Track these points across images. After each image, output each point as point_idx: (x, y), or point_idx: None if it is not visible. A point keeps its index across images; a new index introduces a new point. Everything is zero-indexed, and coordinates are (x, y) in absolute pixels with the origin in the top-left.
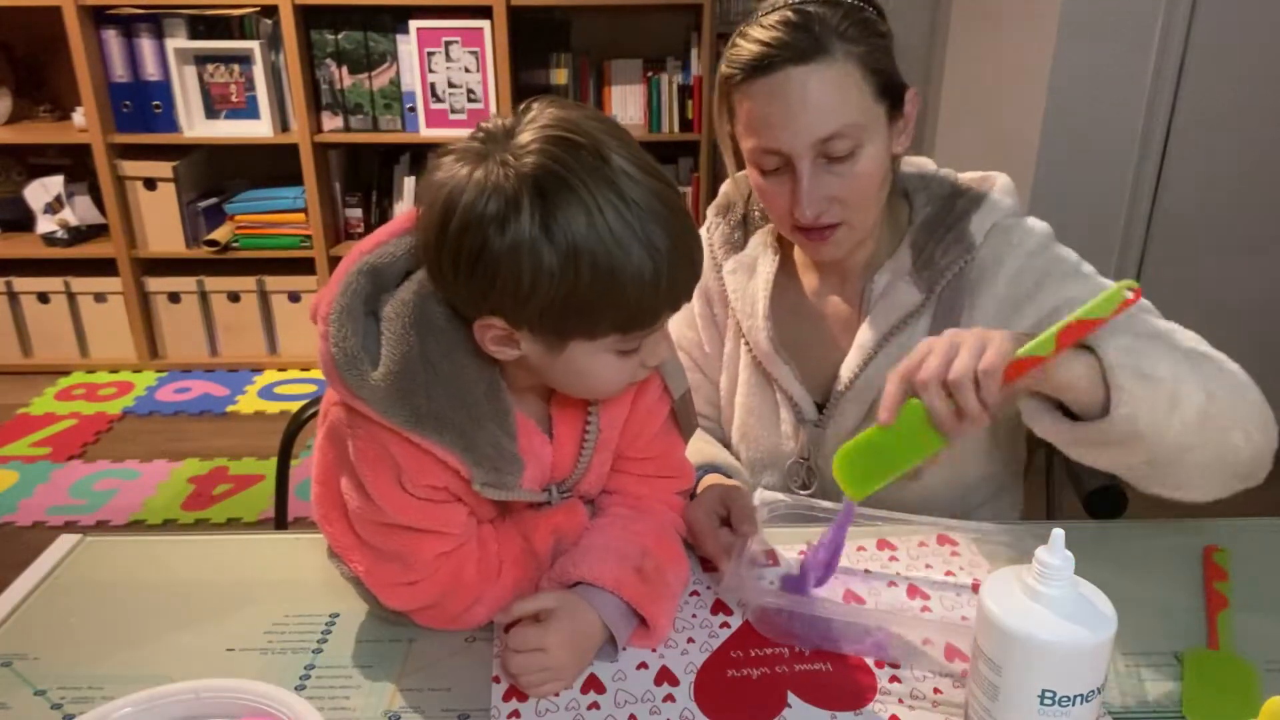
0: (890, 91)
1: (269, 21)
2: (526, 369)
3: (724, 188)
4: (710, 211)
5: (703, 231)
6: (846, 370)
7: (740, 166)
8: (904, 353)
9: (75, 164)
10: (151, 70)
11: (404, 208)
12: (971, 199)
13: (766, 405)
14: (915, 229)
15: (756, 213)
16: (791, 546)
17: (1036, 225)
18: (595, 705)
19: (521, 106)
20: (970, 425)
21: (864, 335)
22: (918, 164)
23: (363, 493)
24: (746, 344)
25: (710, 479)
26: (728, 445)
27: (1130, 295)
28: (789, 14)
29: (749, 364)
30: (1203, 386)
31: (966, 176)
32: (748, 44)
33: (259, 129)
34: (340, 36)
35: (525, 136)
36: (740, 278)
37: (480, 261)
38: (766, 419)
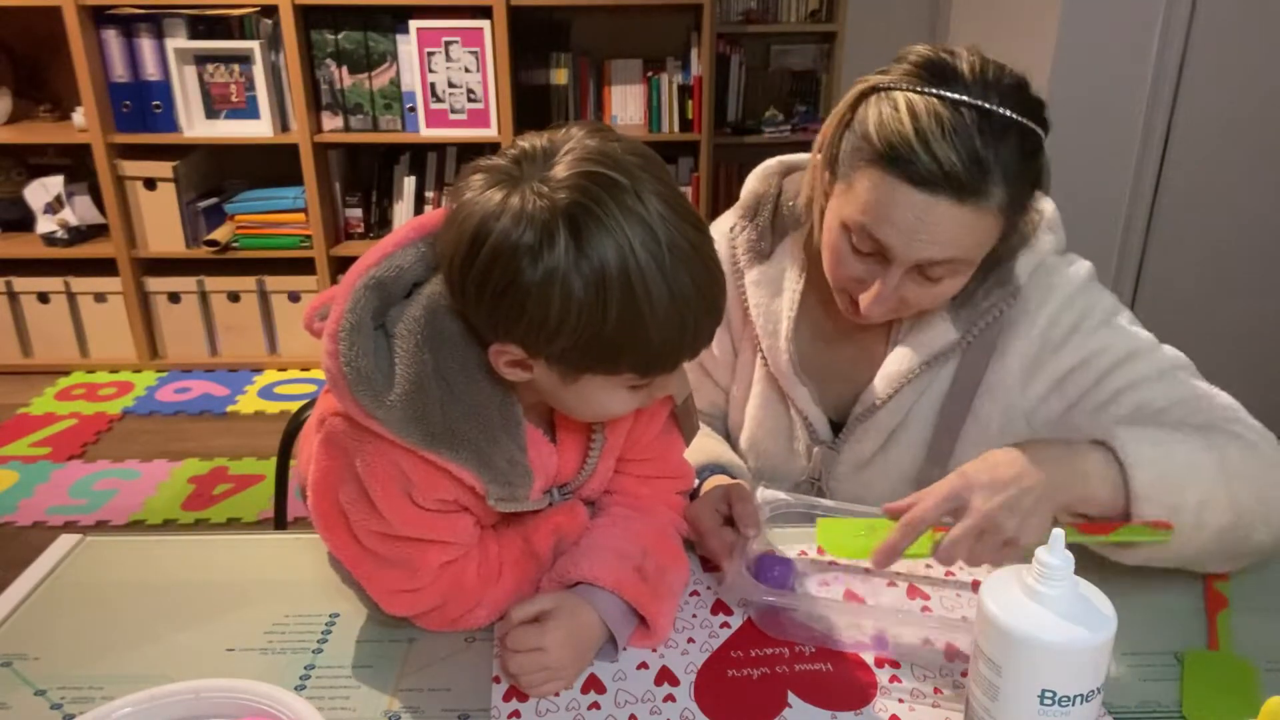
0: (1012, 230)
1: (269, 21)
2: (533, 388)
3: (751, 185)
4: (735, 213)
5: (724, 235)
6: (870, 397)
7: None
8: (930, 385)
9: (75, 164)
10: (151, 70)
11: (404, 208)
12: (1019, 236)
13: (780, 422)
14: None
15: (785, 212)
16: (793, 546)
17: (1080, 266)
18: (596, 705)
19: (564, 132)
20: None
21: (892, 365)
22: None
23: (367, 504)
24: (764, 358)
25: (715, 479)
26: (732, 445)
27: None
28: (974, 137)
29: (764, 378)
30: (1231, 503)
31: None
32: (909, 133)
33: (259, 129)
34: (340, 36)
35: (562, 168)
36: (763, 293)
37: (509, 291)
38: (779, 435)
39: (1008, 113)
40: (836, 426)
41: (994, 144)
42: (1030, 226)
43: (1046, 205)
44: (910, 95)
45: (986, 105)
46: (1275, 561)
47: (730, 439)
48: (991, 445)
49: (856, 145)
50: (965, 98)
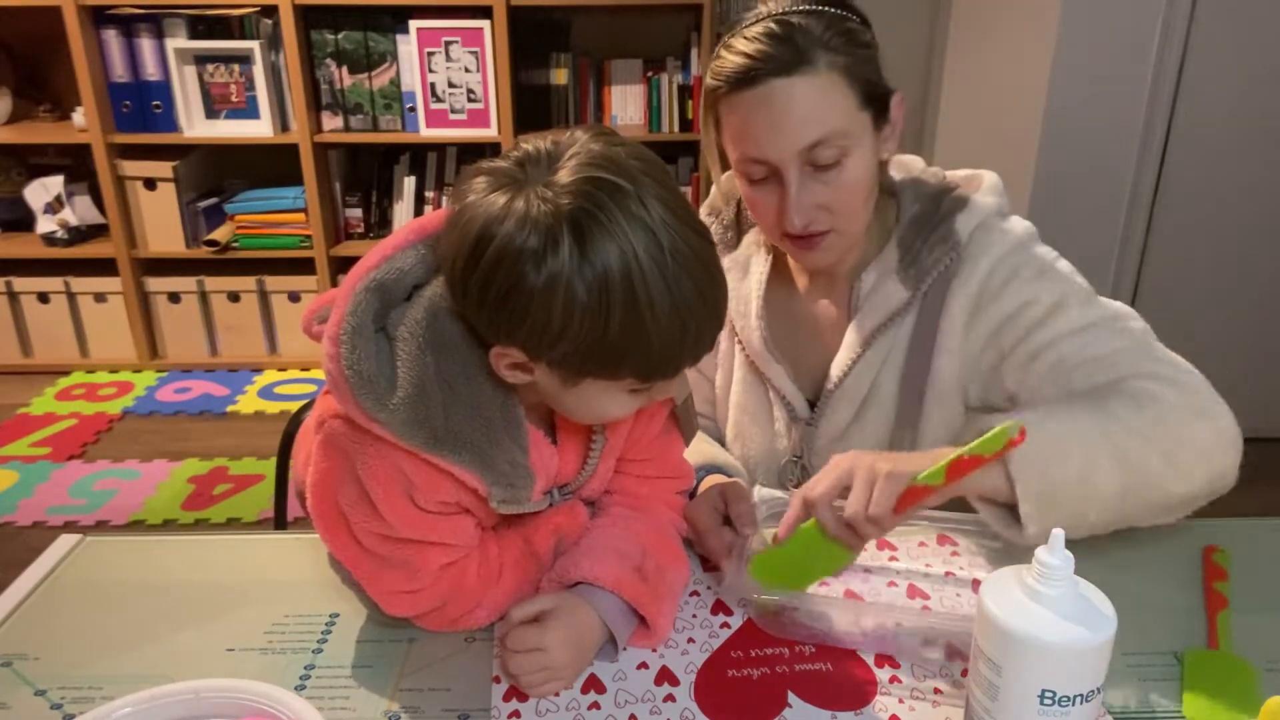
0: (875, 100)
1: (269, 21)
2: (534, 390)
3: (715, 188)
4: (703, 211)
5: None
6: (836, 369)
7: (725, 170)
8: (892, 349)
9: (75, 164)
10: (151, 70)
11: (404, 208)
12: (957, 198)
13: (760, 404)
14: (902, 227)
15: (748, 212)
16: None
17: (1018, 225)
18: (596, 705)
19: (567, 135)
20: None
21: (852, 333)
22: (904, 163)
23: (368, 505)
24: (740, 343)
25: (711, 479)
26: (724, 444)
27: (1017, 437)
28: (772, 25)
29: (743, 363)
30: (1120, 466)
31: (954, 175)
32: (731, 56)
33: (259, 129)
34: (340, 36)
35: (566, 173)
36: (734, 277)
37: (512, 295)
38: (760, 417)
39: (797, 6)
40: (813, 406)
41: (792, 26)
42: (968, 187)
43: (987, 174)
44: (724, 41)
45: (777, 11)
46: (1275, 561)
47: (722, 435)
48: (952, 401)
49: (711, 103)
50: (758, 19)
